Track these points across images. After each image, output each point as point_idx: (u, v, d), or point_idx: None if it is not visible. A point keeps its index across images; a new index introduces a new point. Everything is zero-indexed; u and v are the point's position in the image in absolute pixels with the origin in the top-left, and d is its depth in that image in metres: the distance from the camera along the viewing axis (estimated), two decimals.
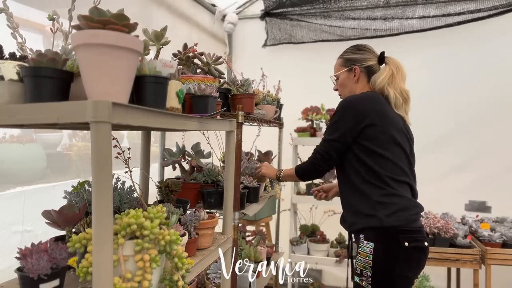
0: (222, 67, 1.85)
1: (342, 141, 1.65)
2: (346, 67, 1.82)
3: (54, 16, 1.05)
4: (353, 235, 1.74)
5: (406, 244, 1.54)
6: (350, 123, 1.63)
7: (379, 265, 1.55)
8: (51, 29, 1.06)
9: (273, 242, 3.21)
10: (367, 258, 1.57)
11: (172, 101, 1.16)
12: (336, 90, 1.92)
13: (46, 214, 1.15)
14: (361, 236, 1.62)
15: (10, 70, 0.96)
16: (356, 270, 1.63)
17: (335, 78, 1.88)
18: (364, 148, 1.63)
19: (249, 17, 4.05)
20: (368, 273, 1.56)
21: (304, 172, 1.85)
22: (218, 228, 1.60)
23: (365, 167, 1.62)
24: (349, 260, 1.84)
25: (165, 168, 2.05)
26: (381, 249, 1.56)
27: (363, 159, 1.62)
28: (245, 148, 2.20)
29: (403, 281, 1.58)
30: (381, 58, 1.79)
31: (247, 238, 2.67)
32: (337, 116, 1.68)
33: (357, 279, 1.62)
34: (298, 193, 3.34)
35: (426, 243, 1.62)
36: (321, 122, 3.27)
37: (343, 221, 1.78)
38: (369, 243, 1.58)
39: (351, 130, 1.63)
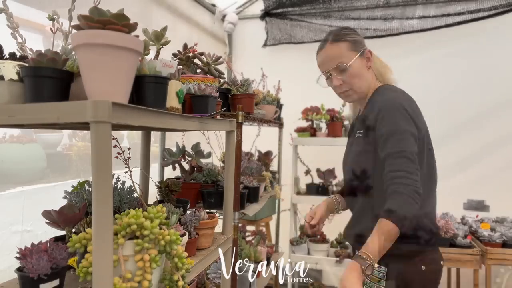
0: (222, 67, 1.84)
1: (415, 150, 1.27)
2: (358, 51, 1.39)
3: (54, 16, 1.05)
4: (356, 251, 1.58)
5: (423, 267, 1.38)
6: (412, 128, 1.29)
7: None
8: (51, 29, 1.06)
9: (273, 242, 3.21)
10: (379, 284, 1.41)
11: (172, 101, 1.16)
12: (339, 85, 1.46)
13: (46, 214, 1.15)
14: None
15: (10, 70, 0.96)
16: None
17: (344, 67, 1.41)
18: None
19: (249, 17, 4.05)
20: None
21: (405, 213, 1.20)
22: (218, 228, 1.60)
23: None
24: None
25: (165, 168, 2.05)
26: (396, 274, 1.40)
27: None
28: (245, 148, 2.21)
29: None
30: None
31: (247, 238, 2.68)
32: (396, 122, 1.29)
33: None
34: (298, 193, 3.33)
35: (442, 262, 1.45)
36: (321, 122, 3.26)
37: (357, 241, 1.50)
38: (381, 267, 1.39)
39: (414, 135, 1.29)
